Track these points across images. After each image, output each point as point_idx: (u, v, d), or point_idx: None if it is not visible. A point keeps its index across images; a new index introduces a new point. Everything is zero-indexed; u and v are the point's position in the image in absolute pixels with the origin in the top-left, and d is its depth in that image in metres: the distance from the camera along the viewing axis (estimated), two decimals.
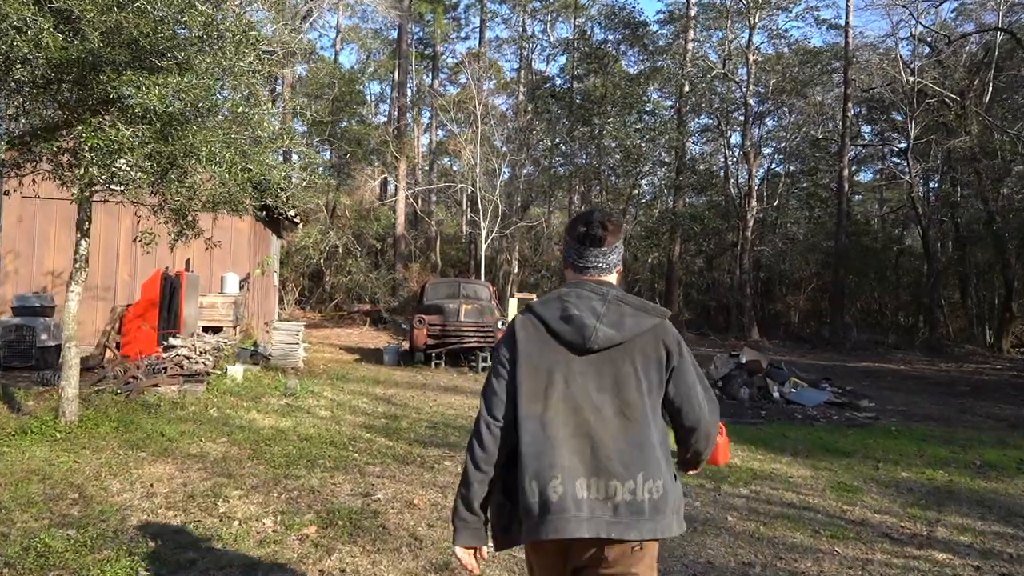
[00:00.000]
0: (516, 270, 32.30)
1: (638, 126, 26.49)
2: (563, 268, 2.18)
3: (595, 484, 1.89)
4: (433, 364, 12.97)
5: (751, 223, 26.66)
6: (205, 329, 11.46)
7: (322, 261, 25.34)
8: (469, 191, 20.51)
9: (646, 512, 1.88)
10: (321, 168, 28.66)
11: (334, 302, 25.88)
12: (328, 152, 26.85)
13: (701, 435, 2.03)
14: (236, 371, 9.52)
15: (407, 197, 25.71)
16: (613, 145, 26.23)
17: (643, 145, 25.97)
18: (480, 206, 20.16)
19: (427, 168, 27.62)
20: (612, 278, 2.13)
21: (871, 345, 26.23)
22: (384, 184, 27.48)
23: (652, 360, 1.98)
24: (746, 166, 29.17)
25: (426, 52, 35.23)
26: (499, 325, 12.99)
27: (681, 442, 2.08)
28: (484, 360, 12.90)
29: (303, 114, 20.89)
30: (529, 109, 26.11)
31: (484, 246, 20.34)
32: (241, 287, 12.69)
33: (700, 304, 33.84)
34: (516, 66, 33.78)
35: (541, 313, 2.03)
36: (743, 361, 10.95)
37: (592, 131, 26.09)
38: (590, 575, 1.94)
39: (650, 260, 30.22)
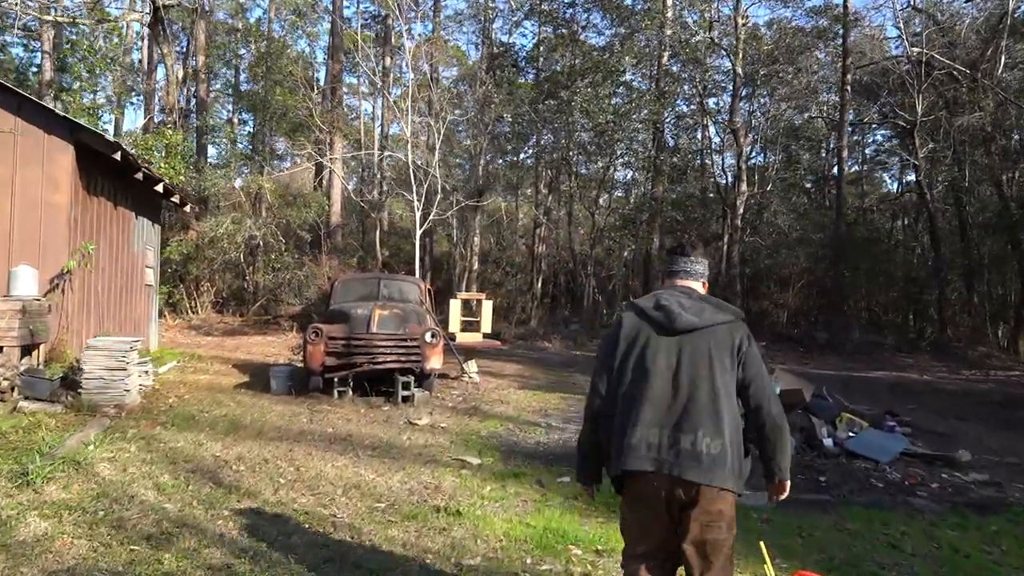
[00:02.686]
0: (476, 266, 28.71)
1: (612, 100, 22.99)
2: (661, 283, 2.95)
3: (665, 434, 2.54)
4: (336, 393, 9.27)
5: (740, 210, 23.37)
6: None
7: (241, 256, 21.41)
8: (400, 162, 16.94)
9: (704, 462, 2.49)
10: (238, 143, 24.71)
11: (257, 304, 21.97)
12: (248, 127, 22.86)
13: (768, 422, 2.62)
14: None
15: (343, 182, 21.86)
16: (584, 122, 22.68)
17: (617, 121, 22.47)
18: (413, 179, 16.41)
19: (375, 155, 23.84)
20: (697, 286, 2.88)
21: (871, 348, 23.09)
22: (320, 168, 23.59)
23: (725, 346, 2.62)
24: (734, 147, 25.99)
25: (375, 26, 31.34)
26: (430, 337, 9.34)
27: (755, 434, 2.64)
28: (406, 388, 9.24)
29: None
30: (486, 79, 22.43)
31: (419, 229, 16.60)
32: (55, 286, 8.84)
33: None
34: (477, 40, 30.11)
35: (640, 304, 2.78)
36: (776, 391, 7.46)
37: (559, 105, 22.51)
38: (687, 515, 2.54)
39: (625, 253, 26.79)
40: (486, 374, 13.00)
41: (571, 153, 24.59)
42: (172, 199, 12.96)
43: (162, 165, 18.23)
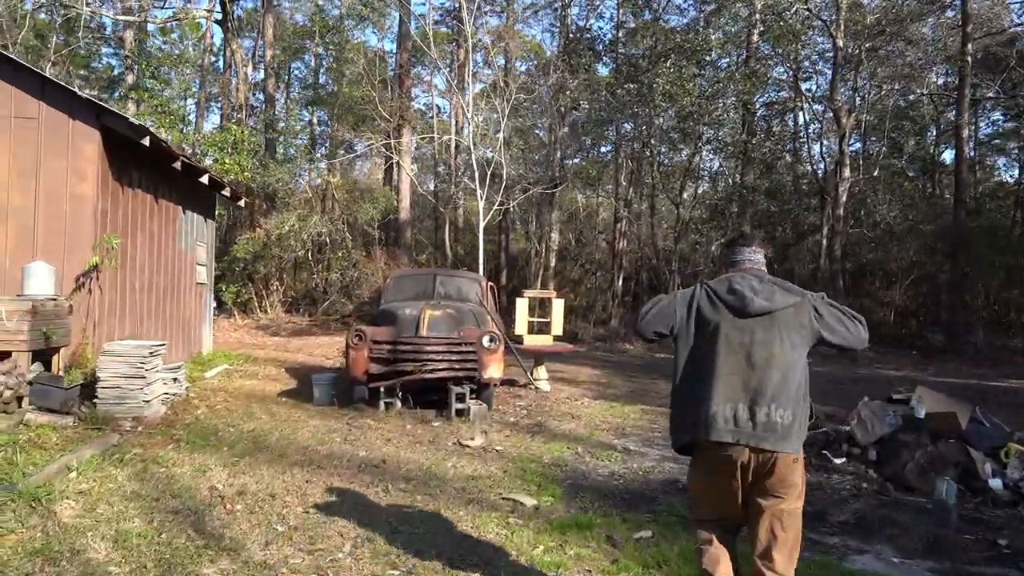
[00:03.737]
0: (553, 263, 27.40)
1: (697, 82, 21.15)
2: (725, 272, 3.05)
3: (742, 407, 2.70)
4: (382, 405, 8.15)
5: (843, 199, 21.08)
6: None
7: (309, 253, 20.85)
8: (464, 151, 15.79)
9: (778, 431, 2.67)
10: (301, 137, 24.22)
11: (326, 303, 21.38)
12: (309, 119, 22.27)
13: (858, 342, 2.88)
14: None
15: (412, 176, 20.94)
16: (666, 107, 20.93)
17: (703, 105, 20.63)
18: (476, 165, 15.19)
19: (439, 142, 22.86)
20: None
21: (997, 351, 20.36)
22: (389, 163, 22.80)
23: (794, 326, 2.77)
24: (833, 130, 23.65)
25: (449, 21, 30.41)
26: (488, 342, 8.08)
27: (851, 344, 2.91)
28: (460, 400, 8.02)
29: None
30: (560, 65, 21.02)
31: (483, 221, 15.36)
32: (80, 285, 8.09)
33: None
34: (554, 28, 28.70)
35: (714, 287, 2.88)
36: (920, 415, 5.84)
37: (639, 90, 20.85)
38: (761, 486, 2.73)
39: (712, 248, 24.82)
40: (558, 380, 11.68)
41: (653, 141, 22.88)
42: (222, 192, 12.22)
43: (226, 161, 17.77)
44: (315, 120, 30.26)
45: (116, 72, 23.61)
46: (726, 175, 24.95)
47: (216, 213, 13.63)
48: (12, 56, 8.37)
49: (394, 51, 24.16)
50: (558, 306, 11.15)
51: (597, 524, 4.58)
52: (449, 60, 26.15)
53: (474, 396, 8.37)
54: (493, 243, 33.25)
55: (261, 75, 22.78)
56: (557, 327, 11.07)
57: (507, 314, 14.23)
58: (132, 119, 8.26)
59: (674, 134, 22.44)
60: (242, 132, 18.49)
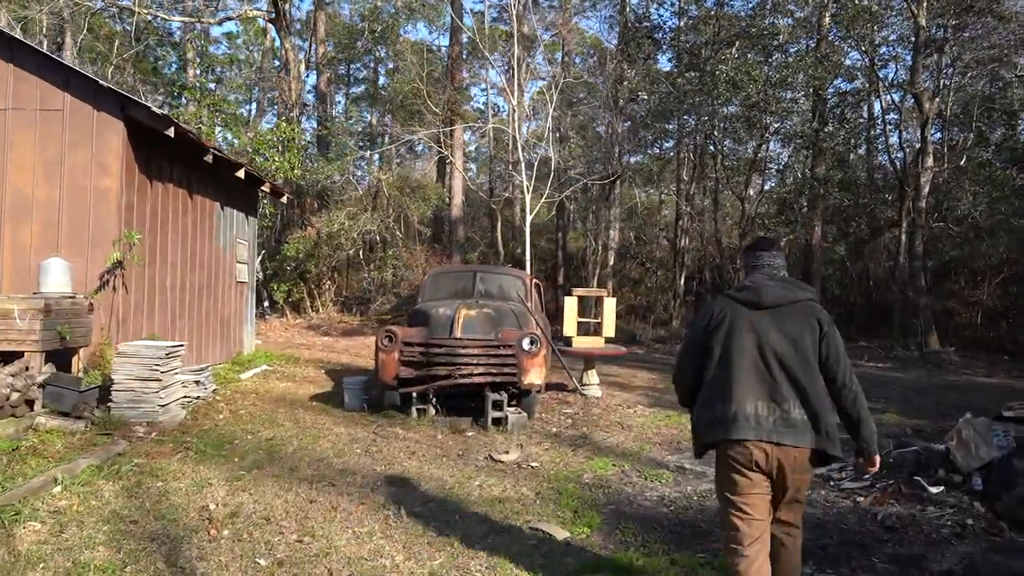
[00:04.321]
0: (612, 262, 26.50)
1: (764, 69, 19.90)
2: (744, 276, 3.10)
3: (761, 404, 2.77)
4: (414, 412, 7.53)
5: (925, 191, 19.51)
6: None
7: (361, 252, 20.55)
8: (534, 157, 15.12)
9: (798, 427, 2.73)
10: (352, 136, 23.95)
11: (377, 302, 21.05)
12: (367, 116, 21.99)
13: (848, 395, 2.81)
14: None
15: (463, 173, 20.38)
16: (730, 95, 19.74)
17: (770, 92, 19.38)
18: (522, 154, 14.44)
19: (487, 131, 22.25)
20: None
21: None
22: (442, 160, 22.34)
23: (807, 325, 2.82)
24: (913, 118, 22.02)
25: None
26: (528, 344, 7.37)
27: (838, 404, 2.84)
28: (497, 408, 7.33)
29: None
30: (617, 54, 20.11)
31: (529, 215, 14.60)
32: (104, 283, 7.76)
33: (842, 302, 26.46)
34: (612, 19, 27.71)
35: (729, 292, 3.01)
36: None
37: (701, 78, 19.75)
38: (783, 477, 2.78)
39: (783, 244, 23.44)
40: (611, 385, 10.89)
41: (716, 133, 21.71)
42: (262, 188, 11.88)
43: (276, 159, 17.60)
44: (374, 121, 30.21)
45: (172, 71, 23.85)
46: (795, 168, 23.51)
47: (258, 210, 13.31)
48: (36, 47, 8.12)
49: (447, 45, 23.69)
50: (610, 305, 10.35)
51: (639, 567, 3.82)
52: (506, 58, 25.58)
53: (514, 404, 7.69)
54: (551, 242, 32.52)
55: (314, 75, 22.65)
56: (609, 328, 10.26)
57: (552, 316, 13.49)
58: (155, 108, 7.88)
59: (738, 124, 21.20)
60: (292, 130, 18.29)
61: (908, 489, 5.12)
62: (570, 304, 10.30)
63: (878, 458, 2.99)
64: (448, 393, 7.67)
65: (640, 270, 31.25)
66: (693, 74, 19.83)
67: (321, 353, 14.17)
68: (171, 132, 7.95)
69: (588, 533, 4.34)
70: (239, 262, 11.78)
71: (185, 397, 7.37)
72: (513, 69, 14.51)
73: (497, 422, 7.31)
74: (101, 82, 7.92)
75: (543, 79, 23.60)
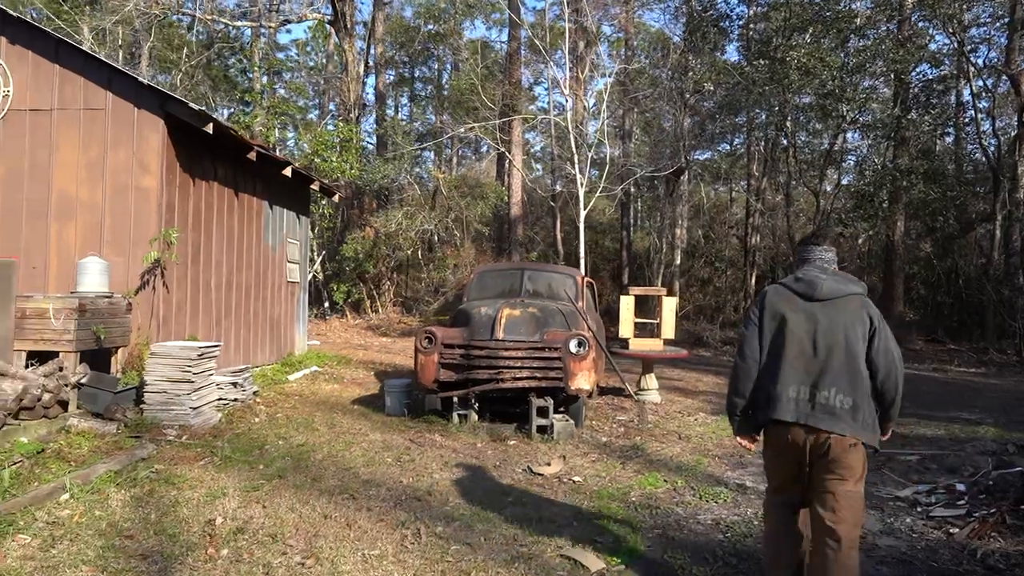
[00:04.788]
0: (678, 260, 25.62)
1: (839, 54, 18.70)
2: (796, 269, 3.20)
3: (803, 390, 2.90)
4: (455, 417, 7.12)
5: (1022, 181, 17.93)
6: (32, 356, 6.52)
7: (419, 252, 20.38)
8: (581, 145, 14.47)
9: (837, 414, 2.84)
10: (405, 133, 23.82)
11: (437, 303, 20.84)
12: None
13: (890, 387, 2.92)
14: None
15: (522, 171, 19.94)
16: (802, 82, 18.63)
17: (847, 78, 18.19)
18: (575, 147, 13.83)
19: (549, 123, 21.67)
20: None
21: None
22: (500, 157, 21.97)
23: (857, 316, 2.92)
24: (1009, 102, 20.35)
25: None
26: (576, 347, 6.84)
27: (877, 398, 2.94)
28: (542, 415, 6.83)
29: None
30: (682, 45, 19.28)
31: (583, 209, 13.99)
32: (144, 283, 7.65)
33: (928, 302, 24.72)
34: (677, 7, 26.72)
35: (783, 281, 3.16)
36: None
37: (771, 66, 18.71)
38: (814, 470, 2.91)
39: (859, 241, 22.11)
40: (672, 390, 10.26)
41: (788, 124, 20.57)
42: (311, 186, 11.74)
43: (333, 160, 17.58)
44: (440, 122, 30.16)
45: (240, 77, 24.29)
46: (874, 159, 22.09)
47: (311, 209, 13.20)
48: (80, 47, 8.10)
49: (506, 41, 23.31)
50: (669, 305, 9.70)
51: None
52: (567, 53, 25.00)
53: (563, 410, 7.18)
54: (615, 241, 31.75)
55: (374, 76, 22.66)
56: (668, 329, 9.61)
57: (606, 317, 12.86)
58: (194, 105, 7.73)
59: (812, 114, 20.01)
60: (350, 130, 18.26)
61: (1013, 519, 4.36)
62: (626, 304, 9.70)
63: (892, 426, 3.12)
64: (491, 398, 7.23)
65: (708, 269, 30.16)
66: (762, 62, 18.80)
67: (376, 354, 13.97)
68: (209, 128, 7.79)
69: (625, 564, 3.79)
70: (290, 262, 11.67)
71: (221, 399, 7.17)
72: (566, 56, 13.96)
73: (542, 430, 6.81)
74: (141, 79, 7.83)
75: (605, 76, 22.96)
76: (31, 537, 3.74)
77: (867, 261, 25.33)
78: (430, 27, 20.57)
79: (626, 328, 9.67)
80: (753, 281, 25.39)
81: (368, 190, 19.07)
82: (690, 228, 31.27)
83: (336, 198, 13.33)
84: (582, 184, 14.10)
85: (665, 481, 5.45)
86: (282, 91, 28.77)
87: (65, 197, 7.85)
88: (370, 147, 22.72)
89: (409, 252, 18.92)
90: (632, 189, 30.51)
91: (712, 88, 20.59)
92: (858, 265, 23.75)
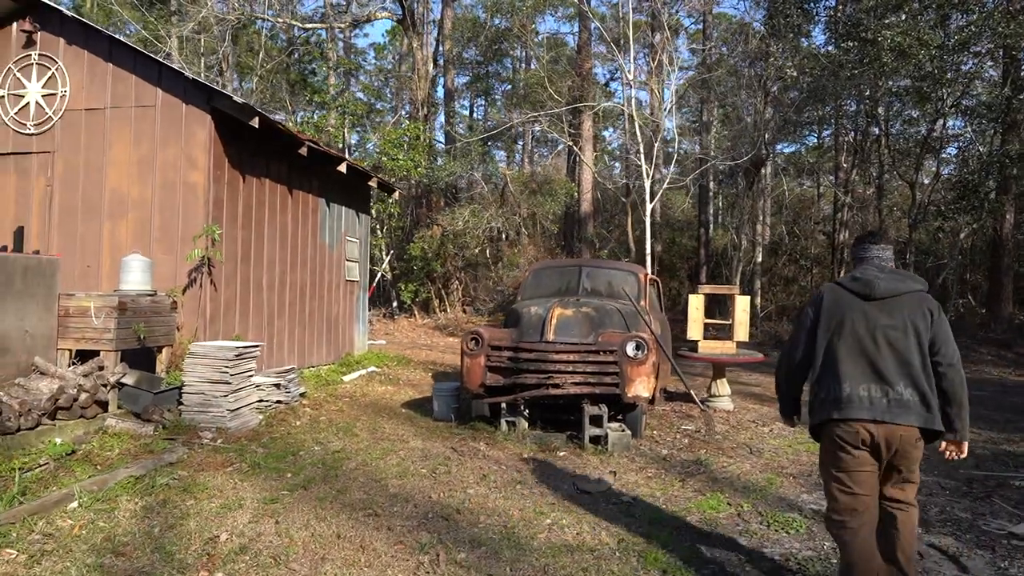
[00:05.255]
0: (760, 259, 24.41)
1: (938, 32, 17.19)
2: (853, 268, 3.21)
3: (873, 387, 2.93)
4: (504, 424, 6.65)
5: None
6: (78, 354, 6.45)
7: (487, 251, 20.04)
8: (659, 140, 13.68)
9: (909, 407, 2.88)
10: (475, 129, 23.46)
11: (506, 302, 20.44)
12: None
13: (954, 377, 2.92)
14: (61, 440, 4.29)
15: (592, 167, 19.28)
16: (896, 64, 17.22)
17: (947, 58, 16.68)
18: (639, 137, 13.05)
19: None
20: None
21: None
22: (570, 153, 21.38)
23: (918, 313, 2.95)
24: None
25: None
26: (633, 350, 6.25)
27: (940, 386, 2.94)
28: (596, 424, 6.27)
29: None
30: (763, 29, 18.18)
31: (649, 203, 13.23)
32: (192, 281, 7.53)
33: None
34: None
35: (839, 280, 3.15)
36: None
37: (862, 48, 17.39)
38: (894, 455, 2.93)
39: (961, 236, 20.35)
40: (747, 397, 9.49)
41: (880, 110, 19.13)
42: (370, 183, 11.52)
43: (400, 158, 17.44)
44: (516, 119, 29.80)
45: (308, 77, 24.58)
46: (979, 146, 20.29)
47: (371, 207, 13.00)
48: (130, 44, 8.07)
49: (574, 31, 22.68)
50: (742, 304, 8.93)
51: None
52: (642, 47, 24.15)
53: (621, 418, 6.60)
54: (693, 238, 30.60)
55: (443, 74, 22.49)
56: (742, 331, 8.85)
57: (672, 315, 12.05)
58: (238, 99, 7.56)
59: (907, 99, 18.52)
60: (417, 128, 18.09)
61: None
62: (695, 303, 8.99)
63: (967, 445, 3.06)
64: (542, 404, 6.72)
65: (793, 267, 28.66)
66: (852, 44, 17.49)
67: (439, 355, 13.68)
68: (255, 122, 7.60)
69: None
70: (348, 260, 11.48)
71: (262, 401, 6.93)
72: (630, 46, 13.27)
73: (595, 440, 6.25)
74: (188, 74, 7.72)
75: (680, 69, 21.98)
76: (19, 552, 3.49)
77: (970, 258, 23.37)
78: (498, 22, 20.20)
79: (695, 330, 8.96)
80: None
81: (435, 188, 18.86)
82: (773, 225, 29.80)
83: (397, 195, 13.10)
84: (648, 174, 13.36)
85: (729, 504, 4.80)
86: (361, 95, 29.06)
87: (117, 195, 7.83)
88: (440, 145, 22.55)
89: (476, 251, 18.59)
90: (712, 185, 29.35)
91: (795, 74, 19.35)
92: (959, 262, 21.91)
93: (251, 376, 6.74)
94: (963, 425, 2.97)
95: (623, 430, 6.33)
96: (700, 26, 26.69)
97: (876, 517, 3.00)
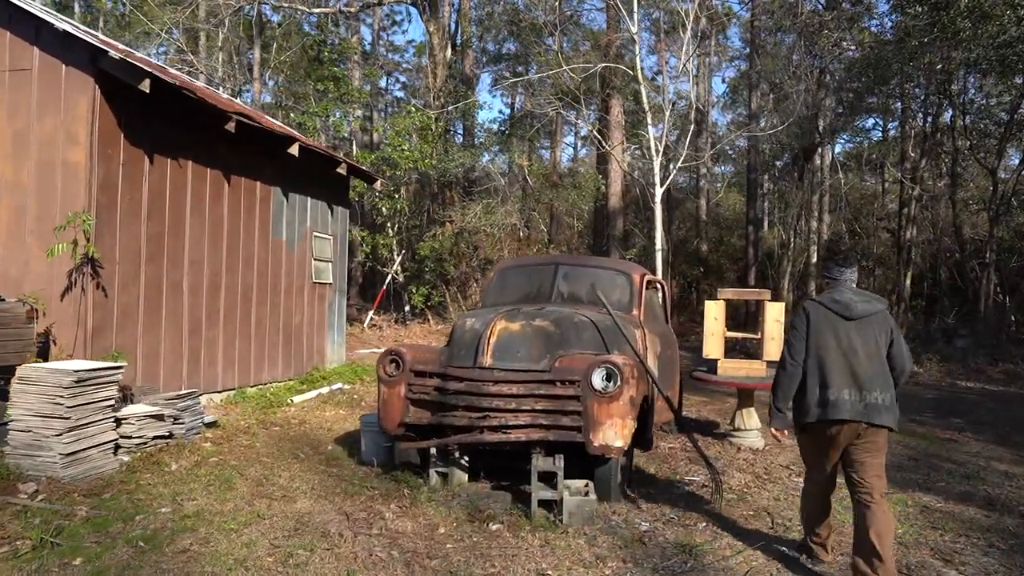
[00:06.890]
0: (815, 259, 22.10)
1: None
2: (826, 286, 3.88)
3: (855, 392, 3.53)
4: (432, 475, 4.94)
5: None
6: None
7: (505, 250, 18.33)
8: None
9: (880, 409, 3.52)
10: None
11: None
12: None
13: (901, 373, 3.65)
14: None
15: (620, 159, 17.37)
16: (974, 31, 14.79)
17: None
18: (648, 114, 11.12)
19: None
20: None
21: None
22: (595, 145, 19.49)
23: (883, 329, 3.63)
24: None
25: None
26: (601, 381, 4.47)
27: (895, 379, 3.64)
28: (546, 482, 4.50)
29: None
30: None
31: (660, 188, 11.28)
32: (72, 284, 6.06)
33: None
34: None
35: (820, 300, 3.73)
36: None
37: (932, 15, 15.04)
38: (853, 449, 3.60)
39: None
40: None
41: (953, 85, 16.67)
42: (338, 168, 9.95)
43: (405, 148, 15.92)
44: (551, 112, 28.07)
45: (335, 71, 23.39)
46: None
47: (348, 198, 11.45)
48: None
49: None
50: (774, 313, 7.00)
51: None
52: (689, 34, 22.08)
53: (585, 474, 4.81)
54: (741, 238, 28.23)
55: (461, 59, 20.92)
56: (774, 347, 6.90)
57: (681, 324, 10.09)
58: (132, 60, 6.06)
59: (988, 72, 16.03)
60: (425, 116, 16.54)
61: None
62: (712, 312, 7.09)
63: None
64: (483, 451, 4.98)
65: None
66: (920, 8, 15.14)
67: None
68: (146, 86, 6.09)
69: None
70: (317, 260, 9.96)
71: (129, 438, 5.37)
72: (662, 32, 11.38)
73: (547, 506, 4.49)
74: (68, 28, 6.26)
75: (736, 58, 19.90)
76: None
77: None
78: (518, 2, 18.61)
79: (713, 346, 7.08)
80: (908, 282, 21.38)
81: (443, 180, 17.28)
82: (832, 223, 27.26)
83: (377, 184, 11.52)
84: (657, 153, 11.42)
85: None
86: (402, 92, 27.79)
87: None
88: (459, 137, 20.97)
89: (492, 250, 16.92)
90: (765, 180, 27.02)
91: (852, 48, 17.05)
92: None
93: (109, 406, 5.20)
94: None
95: (587, 493, 4.54)
96: (748, 13, 24.54)
97: (834, 482, 3.80)
